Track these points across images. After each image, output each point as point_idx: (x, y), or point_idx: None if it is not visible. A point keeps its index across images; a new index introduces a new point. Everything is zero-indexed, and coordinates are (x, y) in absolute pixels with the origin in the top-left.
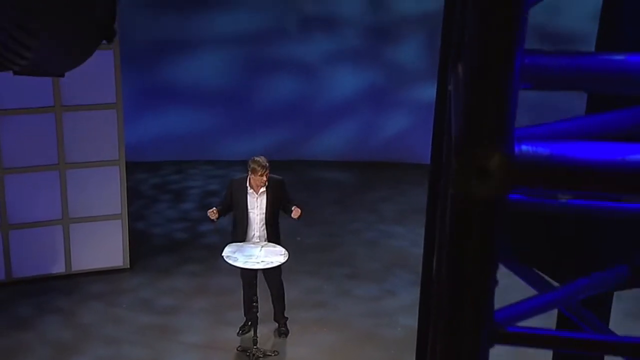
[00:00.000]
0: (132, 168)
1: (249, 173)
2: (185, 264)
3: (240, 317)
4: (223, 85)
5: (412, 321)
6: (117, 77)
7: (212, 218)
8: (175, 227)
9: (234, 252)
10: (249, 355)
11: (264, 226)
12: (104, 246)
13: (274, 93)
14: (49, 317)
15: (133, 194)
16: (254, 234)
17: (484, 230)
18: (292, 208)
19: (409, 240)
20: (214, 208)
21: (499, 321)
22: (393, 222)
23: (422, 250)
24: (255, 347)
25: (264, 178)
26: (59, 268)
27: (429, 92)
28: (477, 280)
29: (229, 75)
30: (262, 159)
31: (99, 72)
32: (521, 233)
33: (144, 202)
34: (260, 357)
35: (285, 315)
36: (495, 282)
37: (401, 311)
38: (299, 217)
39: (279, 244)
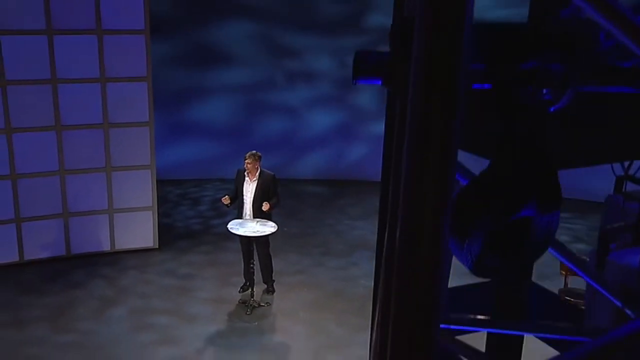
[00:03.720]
0: (162, 183)
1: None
2: (199, 245)
3: (240, 281)
4: (229, 122)
5: (371, 282)
6: (150, 102)
7: (225, 203)
8: (193, 222)
9: (236, 225)
10: (247, 306)
11: (252, 206)
12: (139, 231)
13: (267, 128)
14: (96, 281)
15: (162, 201)
16: (246, 212)
17: None
18: (264, 202)
19: (368, 230)
20: (226, 195)
21: None
22: (356, 219)
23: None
24: (252, 299)
25: (256, 165)
26: (105, 246)
27: (381, 127)
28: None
29: (233, 115)
30: (253, 151)
31: (136, 98)
32: None
33: (170, 205)
34: (256, 307)
35: (273, 278)
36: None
37: (363, 276)
38: (268, 210)
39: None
